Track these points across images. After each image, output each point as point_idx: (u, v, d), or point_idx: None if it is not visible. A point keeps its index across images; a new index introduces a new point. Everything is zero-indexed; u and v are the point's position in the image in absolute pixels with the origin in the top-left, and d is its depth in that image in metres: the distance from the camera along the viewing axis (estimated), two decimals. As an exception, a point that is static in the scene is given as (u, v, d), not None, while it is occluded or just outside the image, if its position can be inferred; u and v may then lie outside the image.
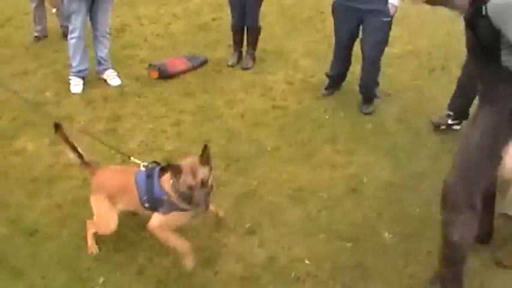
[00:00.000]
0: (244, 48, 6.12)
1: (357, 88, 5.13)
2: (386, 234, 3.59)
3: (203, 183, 2.90)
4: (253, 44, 6.04)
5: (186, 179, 2.87)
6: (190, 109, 5.05)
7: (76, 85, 5.37)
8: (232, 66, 6.02)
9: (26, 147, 4.48)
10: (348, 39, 4.99)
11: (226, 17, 6.26)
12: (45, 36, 6.70)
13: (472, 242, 2.91)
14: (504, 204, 3.50)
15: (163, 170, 3.11)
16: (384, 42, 4.81)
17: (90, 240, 3.41)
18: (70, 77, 5.40)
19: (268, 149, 4.47)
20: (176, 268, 3.26)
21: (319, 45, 6.41)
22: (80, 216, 3.65)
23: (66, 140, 3.35)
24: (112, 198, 3.26)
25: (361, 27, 4.82)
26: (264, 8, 5.84)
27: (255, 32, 5.98)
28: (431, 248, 3.45)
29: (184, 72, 5.75)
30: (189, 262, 3.22)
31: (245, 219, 3.67)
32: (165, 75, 5.59)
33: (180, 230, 3.30)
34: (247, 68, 5.97)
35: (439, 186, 3.97)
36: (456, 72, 4.96)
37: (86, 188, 3.89)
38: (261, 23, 5.92)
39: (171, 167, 2.96)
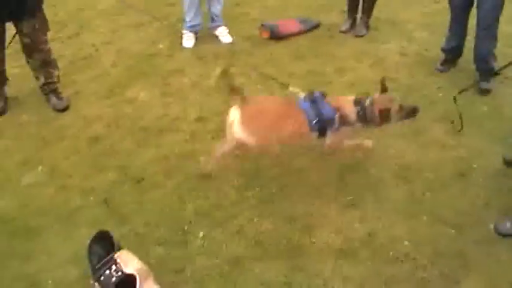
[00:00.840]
0: (359, 15, 5.94)
1: (474, 67, 4.87)
2: (493, 225, 3.42)
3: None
4: (368, 11, 5.86)
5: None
6: (300, 73, 5.00)
7: (188, 40, 5.47)
8: (344, 32, 5.89)
9: (138, 97, 4.64)
10: (462, 5, 4.77)
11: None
12: None
13: None
14: None
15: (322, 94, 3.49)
16: (500, 6, 4.51)
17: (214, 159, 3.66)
18: (183, 31, 5.50)
19: (376, 121, 4.35)
20: (275, 231, 3.29)
21: (436, 18, 6.10)
22: (186, 170, 3.78)
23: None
24: (272, 126, 3.38)
25: None
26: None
27: None
28: (541, 245, 3.29)
29: (296, 34, 5.69)
30: (367, 144, 3.80)
31: (348, 191, 3.62)
32: (276, 36, 5.56)
33: (283, 191, 3.34)
34: (361, 36, 5.82)
35: None
36: None
37: (193, 142, 4.03)
38: (376, -10, 5.72)
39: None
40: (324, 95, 3.48)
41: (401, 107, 3.46)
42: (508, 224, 3.33)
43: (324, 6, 6.50)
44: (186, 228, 3.36)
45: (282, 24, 5.68)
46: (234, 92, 3.37)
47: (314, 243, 3.26)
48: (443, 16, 5.57)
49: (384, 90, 3.56)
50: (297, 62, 5.22)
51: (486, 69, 4.78)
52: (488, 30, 4.62)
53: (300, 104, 3.44)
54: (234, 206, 3.47)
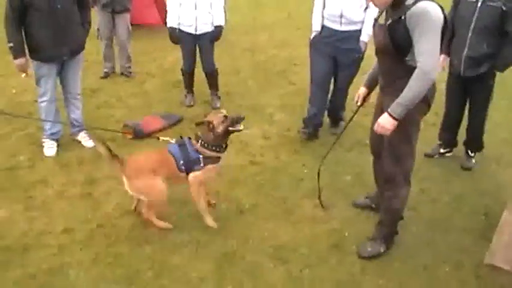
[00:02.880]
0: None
1: (333, 140, 5.17)
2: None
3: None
4: (215, 85, 6.43)
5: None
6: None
7: (50, 148, 5.28)
8: (191, 106, 6.39)
9: (-2, 215, 4.34)
10: (323, 76, 5.39)
11: (200, 73, 6.33)
12: (113, 72, 7.50)
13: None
14: (489, 254, 3.61)
15: (190, 139, 4.00)
16: (355, 73, 5.43)
17: (158, 222, 4.05)
18: (43, 140, 5.31)
19: (247, 206, 4.40)
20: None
21: (293, 98, 6.45)
22: (56, 286, 3.53)
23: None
24: (153, 172, 3.84)
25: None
26: (237, 64, 5.88)
27: (214, 75, 6.35)
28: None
29: (160, 131, 5.69)
30: (210, 223, 4.06)
31: (226, 282, 3.56)
32: (140, 135, 5.52)
33: None
34: (217, 108, 6.22)
35: (420, 236, 4.07)
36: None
37: (62, 255, 3.81)
38: (236, 78, 5.97)
39: (203, 122, 3.90)
40: (190, 140, 3.98)
41: (225, 117, 3.89)
42: (369, 248, 3.87)
43: (186, 100, 6.62)
44: None
45: (144, 122, 5.67)
46: (113, 158, 3.91)
47: None
48: (300, 96, 5.94)
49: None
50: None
51: (336, 118, 5.85)
52: (344, 91, 5.62)
53: (170, 149, 3.95)
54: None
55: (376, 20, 3.50)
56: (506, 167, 5.16)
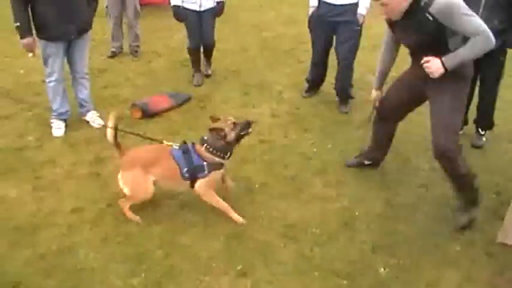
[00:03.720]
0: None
1: (343, 118, 5.13)
2: (383, 269, 3.51)
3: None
4: (210, 55, 6.63)
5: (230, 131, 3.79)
6: (175, 148, 4.95)
7: (58, 128, 5.26)
8: (199, 85, 6.41)
9: (8, 194, 4.32)
10: (324, 49, 5.70)
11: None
12: (121, 52, 7.46)
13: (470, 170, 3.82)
14: (501, 233, 3.59)
15: (194, 145, 3.88)
16: (356, 47, 5.50)
17: (129, 214, 3.90)
18: (51, 120, 5.29)
19: (257, 185, 4.37)
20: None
21: (302, 76, 6.37)
22: (66, 266, 3.52)
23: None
24: (145, 170, 3.77)
25: (335, 37, 5.54)
26: (245, 42, 5.81)
27: (211, 48, 6.52)
28: (429, 279, 3.42)
29: (168, 110, 5.66)
30: (236, 219, 3.89)
31: (236, 261, 3.54)
32: (148, 114, 5.49)
33: (169, 272, 3.20)
34: (210, 75, 6.65)
35: (432, 214, 4.03)
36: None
37: (71, 235, 3.81)
38: (243, 56, 5.93)
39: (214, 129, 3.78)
40: (194, 146, 3.87)
41: (235, 124, 3.81)
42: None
43: (194, 79, 6.58)
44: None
45: (153, 101, 5.63)
46: (116, 145, 3.90)
47: (209, 321, 3.14)
48: (308, 74, 5.86)
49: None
50: (172, 137, 5.08)
51: (344, 96, 5.79)
52: (348, 66, 5.63)
53: (173, 154, 3.82)
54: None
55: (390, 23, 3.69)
56: (517, 145, 5.11)
